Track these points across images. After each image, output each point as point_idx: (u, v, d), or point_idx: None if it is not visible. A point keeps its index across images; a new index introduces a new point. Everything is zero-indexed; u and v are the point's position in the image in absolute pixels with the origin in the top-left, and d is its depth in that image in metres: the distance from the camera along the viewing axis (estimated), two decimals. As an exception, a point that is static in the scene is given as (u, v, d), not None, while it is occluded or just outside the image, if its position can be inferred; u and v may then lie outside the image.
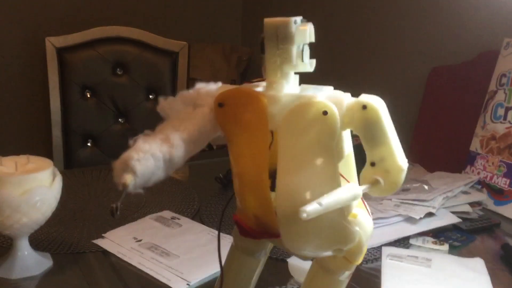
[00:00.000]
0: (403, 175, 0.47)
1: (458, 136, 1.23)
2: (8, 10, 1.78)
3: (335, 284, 0.52)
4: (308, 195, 0.44)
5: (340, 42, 1.70)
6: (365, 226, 0.49)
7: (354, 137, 0.49)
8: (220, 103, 0.50)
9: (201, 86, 0.53)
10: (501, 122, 1.10)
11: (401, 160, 0.47)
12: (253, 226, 0.50)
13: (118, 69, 1.64)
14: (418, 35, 1.41)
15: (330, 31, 1.71)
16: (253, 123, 0.48)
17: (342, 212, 0.46)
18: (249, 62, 2.21)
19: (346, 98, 0.48)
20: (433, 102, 1.33)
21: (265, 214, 0.49)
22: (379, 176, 0.46)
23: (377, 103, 0.46)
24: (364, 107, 0.46)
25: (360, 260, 0.50)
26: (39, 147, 1.74)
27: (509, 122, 1.08)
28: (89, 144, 1.64)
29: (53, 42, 1.58)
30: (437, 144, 1.29)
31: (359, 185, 0.48)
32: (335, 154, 0.46)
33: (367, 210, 0.51)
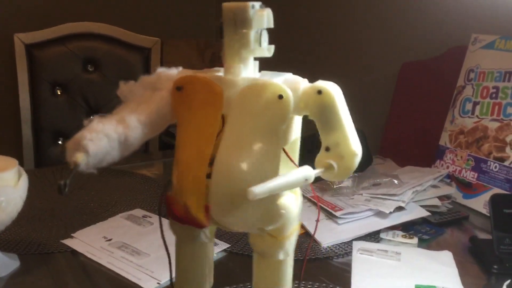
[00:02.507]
0: (356, 160, 0.48)
1: (428, 131, 1.25)
2: (-25, 5, 1.74)
3: (278, 267, 0.53)
4: (246, 172, 0.45)
5: (310, 39, 1.70)
6: (291, 208, 0.50)
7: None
8: (178, 87, 0.50)
9: (162, 70, 0.53)
10: (469, 117, 1.12)
11: (355, 146, 0.48)
12: (181, 212, 0.50)
13: (89, 65, 1.62)
14: (387, 31, 1.42)
15: (300, 27, 1.71)
16: (207, 108, 0.48)
17: (273, 195, 0.46)
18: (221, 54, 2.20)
19: (302, 83, 0.48)
20: (403, 97, 1.34)
21: (194, 205, 0.49)
22: (333, 161, 0.47)
23: (332, 88, 0.47)
24: (320, 92, 0.47)
25: (286, 235, 0.51)
26: (9, 145, 1.70)
27: (477, 116, 1.10)
28: (60, 141, 1.61)
29: (22, 39, 1.55)
30: (408, 139, 1.31)
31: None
32: (281, 139, 0.47)
33: (298, 192, 0.53)
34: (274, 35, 0.50)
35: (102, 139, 0.46)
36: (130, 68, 1.66)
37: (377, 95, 1.44)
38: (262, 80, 0.48)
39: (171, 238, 0.58)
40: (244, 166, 0.45)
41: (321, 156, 0.48)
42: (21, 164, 0.75)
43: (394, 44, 1.41)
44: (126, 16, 1.99)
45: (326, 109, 0.47)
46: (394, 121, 1.35)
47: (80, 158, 0.44)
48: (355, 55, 1.54)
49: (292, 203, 0.50)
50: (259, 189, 0.42)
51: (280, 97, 0.46)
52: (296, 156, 0.52)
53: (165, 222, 0.57)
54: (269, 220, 0.49)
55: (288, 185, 0.44)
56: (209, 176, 0.47)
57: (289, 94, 0.46)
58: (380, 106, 1.41)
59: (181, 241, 0.57)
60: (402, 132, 1.33)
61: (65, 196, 0.42)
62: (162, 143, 1.74)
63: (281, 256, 0.52)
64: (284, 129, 0.47)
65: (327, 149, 0.48)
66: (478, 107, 1.10)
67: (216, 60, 2.17)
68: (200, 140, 0.48)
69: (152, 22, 2.07)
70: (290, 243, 0.52)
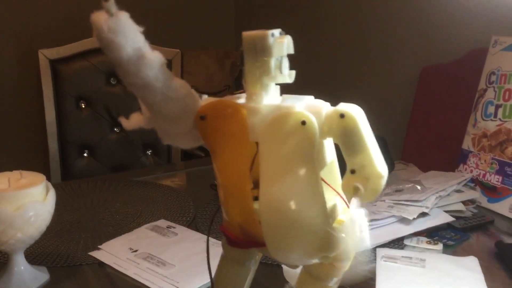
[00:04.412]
0: (383, 182, 0.48)
1: (450, 135, 1.24)
2: (0, 24, 1.79)
3: None
4: (291, 203, 0.45)
5: (331, 45, 1.70)
6: (351, 229, 0.48)
7: None
8: (202, 116, 0.50)
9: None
10: (491, 120, 1.11)
11: (381, 167, 0.48)
12: (239, 236, 0.51)
13: (112, 78, 1.64)
14: (407, 36, 1.42)
15: (322, 33, 1.71)
16: (234, 134, 0.49)
17: (326, 219, 0.47)
18: (242, 68, 2.21)
19: (324, 107, 0.48)
20: (425, 102, 1.33)
21: (249, 224, 0.50)
22: (359, 183, 0.47)
23: (354, 112, 0.47)
24: (342, 115, 0.47)
25: (347, 266, 0.51)
26: (36, 159, 1.75)
27: (500, 119, 1.09)
28: (85, 154, 1.65)
29: (46, 54, 1.59)
30: (430, 143, 1.30)
31: (341, 191, 0.49)
32: (317, 162, 0.47)
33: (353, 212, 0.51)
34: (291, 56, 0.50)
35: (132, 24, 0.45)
36: (152, 80, 1.68)
37: (398, 100, 1.44)
38: (284, 109, 0.48)
39: (196, 248, 0.59)
40: (292, 205, 0.45)
41: (346, 179, 0.48)
42: (48, 177, 0.77)
43: (414, 48, 1.40)
44: (146, 28, 2.02)
45: (349, 132, 0.47)
46: (416, 126, 1.35)
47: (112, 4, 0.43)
48: (375, 61, 1.54)
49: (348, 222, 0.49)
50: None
51: (303, 123, 0.46)
52: (337, 178, 0.52)
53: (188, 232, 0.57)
54: (326, 248, 0.47)
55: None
56: (256, 198, 0.48)
57: (312, 119, 0.46)
58: (401, 111, 1.41)
59: (227, 260, 0.58)
60: (424, 137, 1.32)
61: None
62: (185, 154, 1.76)
63: (332, 283, 0.51)
64: (316, 153, 0.47)
65: (353, 171, 0.48)
66: (500, 110, 1.09)
67: (236, 70, 2.19)
68: (236, 163, 0.49)
69: (171, 34, 2.10)
70: (344, 271, 0.51)
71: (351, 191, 0.48)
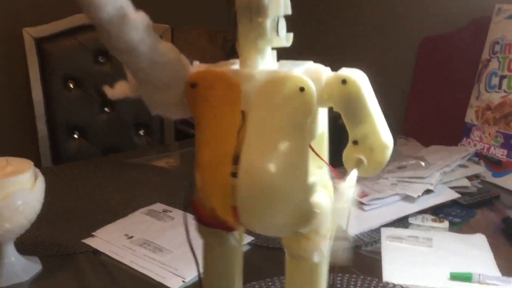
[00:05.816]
0: (388, 153, 0.44)
1: (452, 108, 1.20)
2: (-18, 2, 1.72)
3: (313, 270, 0.50)
4: (272, 168, 0.41)
5: (328, 13, 1.65)
6: (324, 205, 0.46)
7: None
8: (193, 84, 0.45)
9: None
10: (496, 92, 1.07)
11: (386, 137, 0.44)
12: (208, 216, 0.47)
13: (100, 57, 1.59)
14: (406, 4, 1.37)
15: (314, 4, 1.66)
16: (224, 102, 0.44)
17: (305, 192, 0.43)
18: (235, 42, 2.16)
19: (325, 73, 0.44)
20: (425, 73, 1.30)
21: (220, 207, 0.46)
22: (362, 155, 0.44)
23: (357, 77, 0.43)
24: (344, 81, 0.43)
25: (321, 236, 0.47)
26: (25, 142, 1.70)
27: (504, 91, 1.06)
28: (75, 136, 1.60)
29: (30, 33, 1.53)
30: (431, 117, 1.26)
31: (343, 163, 0.45)
32: (307, 133, 0.43)
33: (330, 187, 0.49)
34: (287, 18, 0.46)
35: None
36: (142, 57, 1.63)
37: (397, 72, 1.40)
38: (281, 73, 0.43)
39: (194, 232, 0.55)
40: (272, 167, 0.41)
41: (349, 151, 0.44)
42: (38, 160, 0.73)
43: (413, 17, 1.36)
44: (135, 3, 1.96)
45: (351, 99, 0.43)
46: (416, 99, 1.31)
47: None
48: (372, 31, 1.49)
49: (325, 199, 0.46)
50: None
51: (302, 89, 0.42)
52: (324, 150, 0.49)
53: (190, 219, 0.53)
54: (302, 222, 0.45)
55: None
56: (234, 175, 0.44)
57: (311, 85, 0.42)
58: (400, 84, 1.37)
59: (209, 245, 0.54)
60: (425, 110, 1.28)
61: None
62: (178, 133, 1.72)
63: (316, 259, 0.48)
64: (309, 123, 0.43)
65: (355, 142, 0.44)
66: (505, 81, 1.06)
67: (227, 44, 2.13)
68: (221, 139, 0.44)
69: (161, 9, 2.04)
70: (326, 244, 0.48)
71: (353, 164, 0.45)
